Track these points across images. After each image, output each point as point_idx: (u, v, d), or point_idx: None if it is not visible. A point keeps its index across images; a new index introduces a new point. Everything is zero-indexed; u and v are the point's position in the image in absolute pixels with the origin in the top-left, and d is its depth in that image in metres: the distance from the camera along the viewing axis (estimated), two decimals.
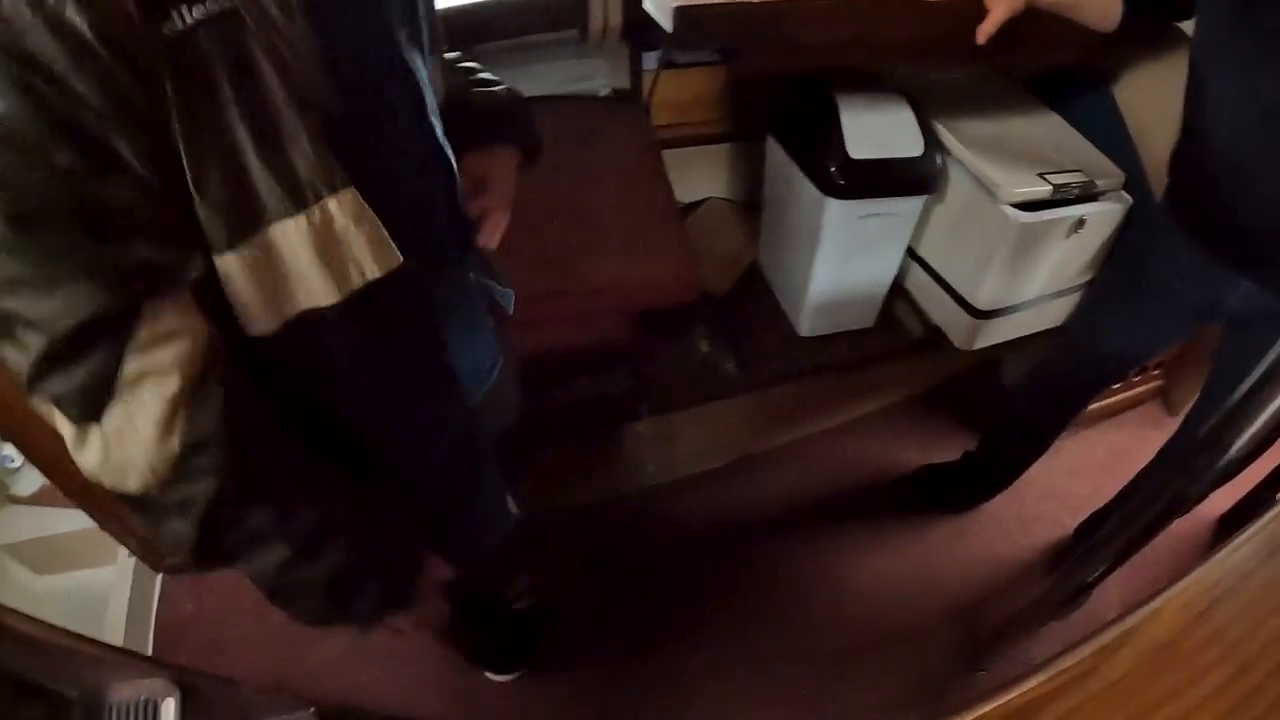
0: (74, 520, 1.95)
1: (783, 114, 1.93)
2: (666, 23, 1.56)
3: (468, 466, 0.85)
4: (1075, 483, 2.14)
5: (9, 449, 1.92)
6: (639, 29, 1.72)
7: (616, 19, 1.63)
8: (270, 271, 0.53)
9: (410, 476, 0.75)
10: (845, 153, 1.75)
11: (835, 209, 1.79)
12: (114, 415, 0.50)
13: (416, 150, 0.69)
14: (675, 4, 1.52)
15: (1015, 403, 1.91)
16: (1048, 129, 1.90)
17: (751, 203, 2.15)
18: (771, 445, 2.00)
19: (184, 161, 0.46)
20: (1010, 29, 1.24)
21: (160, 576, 1.99)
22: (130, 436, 0.50)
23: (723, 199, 2.16)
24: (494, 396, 0.99)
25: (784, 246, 2.02)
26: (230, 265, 0.52)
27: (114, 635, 1.88)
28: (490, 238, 0.84)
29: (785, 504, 1.98)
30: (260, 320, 0.55)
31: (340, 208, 0.54)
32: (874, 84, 1.86)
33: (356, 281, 0.57)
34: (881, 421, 2.13)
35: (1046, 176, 1.70)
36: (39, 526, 2.01)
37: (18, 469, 1.99)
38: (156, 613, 1.96)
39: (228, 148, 0.48)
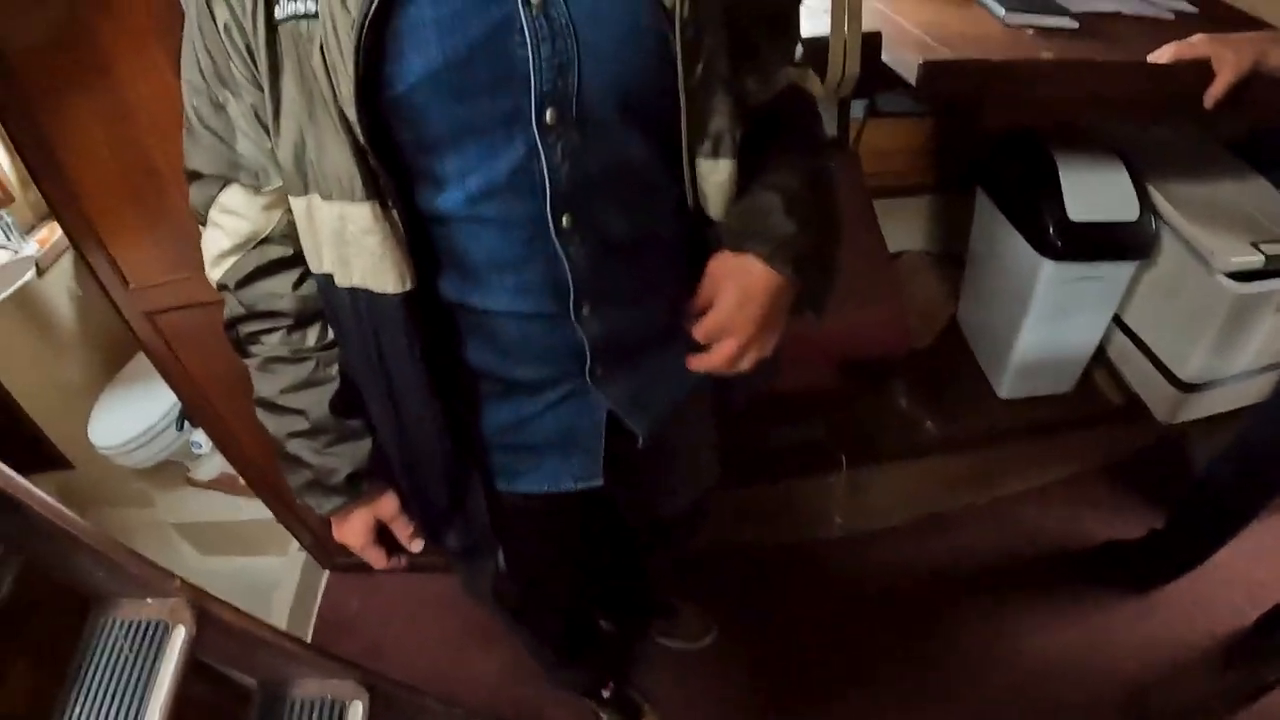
0: (247, 510, 2.03)
1: (995, 168, 1.94)
2: (910, 76, 1.60)
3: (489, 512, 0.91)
4: (1259, 569, 2.07)
5: (200, 436, 2.00)
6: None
7: (855, 69, 1.66)
8: (310, 228, 0.68)
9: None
10: (1064, 213, 1.75)
11: (1049, 270, 1.79)
12: (203, 234, 0.75)
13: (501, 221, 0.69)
14: (921, 59, 1.55)
15: (1210, 481, 1.86)
16: (1257, 194, 1.87)
17: (951, 256, 2.16)
18: (958, 506, 1.98)
19: (267, 112, 0.63)
20: (1234, 92, 1.25)
21: (327, 573, 2.04)
22: (203, 253, 0.76)
23: (922, 251, 2.17)
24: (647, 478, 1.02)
25: (989, 304, 2.02)
26: (296, 206, 0.68)
27: (276, 625, 1.94)
28: (702, 362, 0.72)
29: (964, 567, 1.95)
30: (313, 262, 0.72)
31: (353, 215, 0.63)
32: (1088, 141, 1.85)
33: (353, 280, 0.68)
34: (1068, 490, 2.09)
35: (1260, 246, 1.67)
36: (212, 510, 2.10)
37: (201, 456, 2.07)
38: (319, 608, 2.00)
39: (291, 120, 0.62)
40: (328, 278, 0.70)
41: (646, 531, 1.39)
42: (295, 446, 0.79)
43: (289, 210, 0.70)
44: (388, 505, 0.85)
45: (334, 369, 0.78)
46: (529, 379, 0.78)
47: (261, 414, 0.80)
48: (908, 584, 1.92)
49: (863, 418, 1.90)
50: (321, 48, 0.57)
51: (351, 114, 0.58)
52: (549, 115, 0.61)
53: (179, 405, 1.91)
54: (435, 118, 0.61)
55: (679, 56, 0.61)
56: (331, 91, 0.58)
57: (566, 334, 0.73)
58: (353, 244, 0.64)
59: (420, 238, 0.67)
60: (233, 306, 0.76)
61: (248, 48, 0.60)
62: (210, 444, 1.93)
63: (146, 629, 1.14)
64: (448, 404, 0.76)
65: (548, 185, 0.64)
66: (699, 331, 0.70)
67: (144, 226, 1.39)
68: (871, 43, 1.68)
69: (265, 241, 0.72)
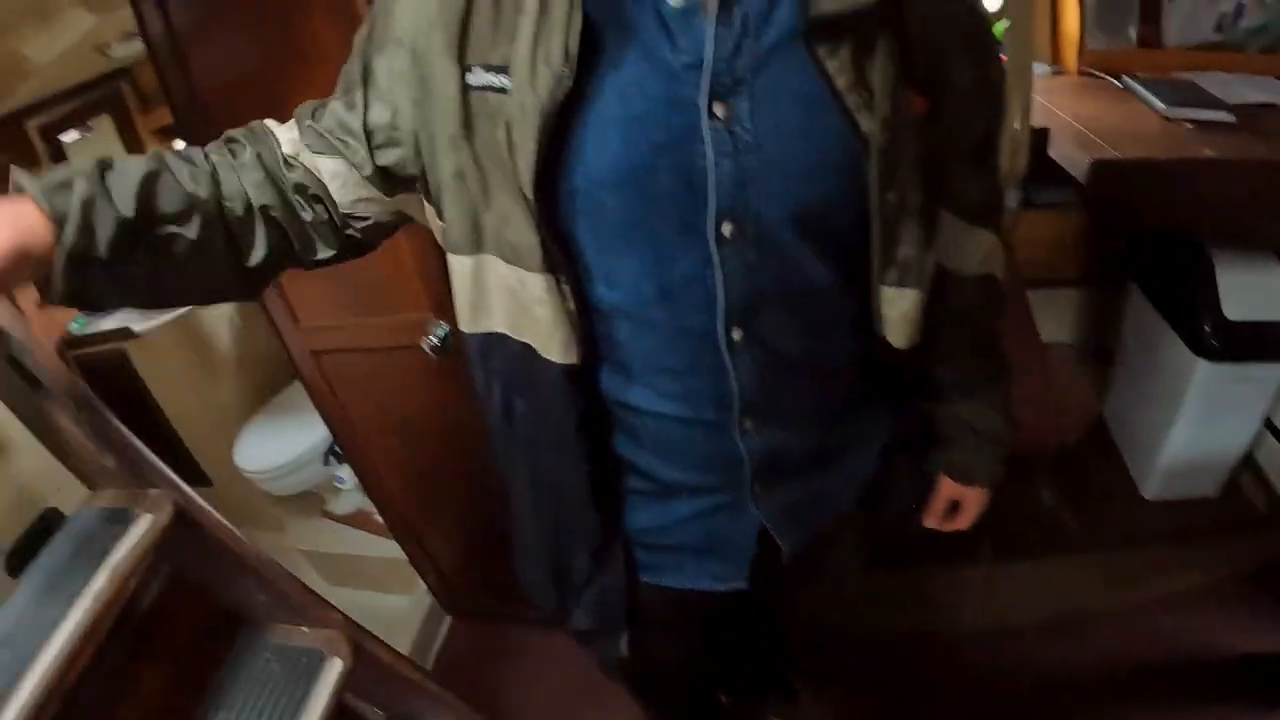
0: (377, 547, 2.10)
1: (1149, 263, 1.94)
2: (1079, 174, 1.63)
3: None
4: None
5: (345, 471, 2.09)
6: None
7: (1022, 164, 1.71)
8: (475, 286, 0.69)
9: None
10: (1220, 312, 1.75)
11: (1205, 371, 1.78)
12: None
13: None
14: (1090, 158, 1.58)
15: None
16: None
17: (1099, 351, 2.15)
18: (1093, 607, 1.94)
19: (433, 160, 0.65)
20: None
21: (450, 618, 2.09)
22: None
23: (1069, 344, 2.18)
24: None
25: (1138, 402, 2.00)
26: (459, 263, 0.69)
27: None
28: (930, 518, 0.99)
29: (1096, 671, 1.90)
30: (466, 319, 0.73)
31: (530, 282, 0.64)
32: (1245, 237, 1.85)
33: (523, 336, 0.68)
34: (1208, 597, 2.03)
35: None
36: (343, 543, 2.18)
37: (342, 491, 2.16)
38: (438, 651, 2.05)
39: (473, 183, 0.63)
40: (487, 336, 0.71)
41: (777, 617, 1.40)
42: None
43: (315, 186, 0.69)
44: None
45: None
46: (681, 483, 0.77)
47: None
48: (1036, 685, 1.87)
49: (1004, 510, 1.89)
50: (508, 124, 0.59)
51: (529, 194, 0.59)
52: (726, 229, 0.61)
53: (329, 440, 2.00)
54: (611, 215, 0.61)
55: (874, 183, 0.60)
56: (513, 167, 0.59)
57: (726, 445, 0.72)
58: (525, 309, 0.65)
59: (588, 322, 0.67)
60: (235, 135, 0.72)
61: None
62: (353, 481, 2.02)
63: (300, 656, 1.20)
64: (596, 484, 0.75)
65: (720, 298, 0.63)
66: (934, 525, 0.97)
67: (315, 278, 1.46)
68: (1040, 138, 1.72)
69: (287, 165, 0.69)
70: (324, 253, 0.73)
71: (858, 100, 0.58)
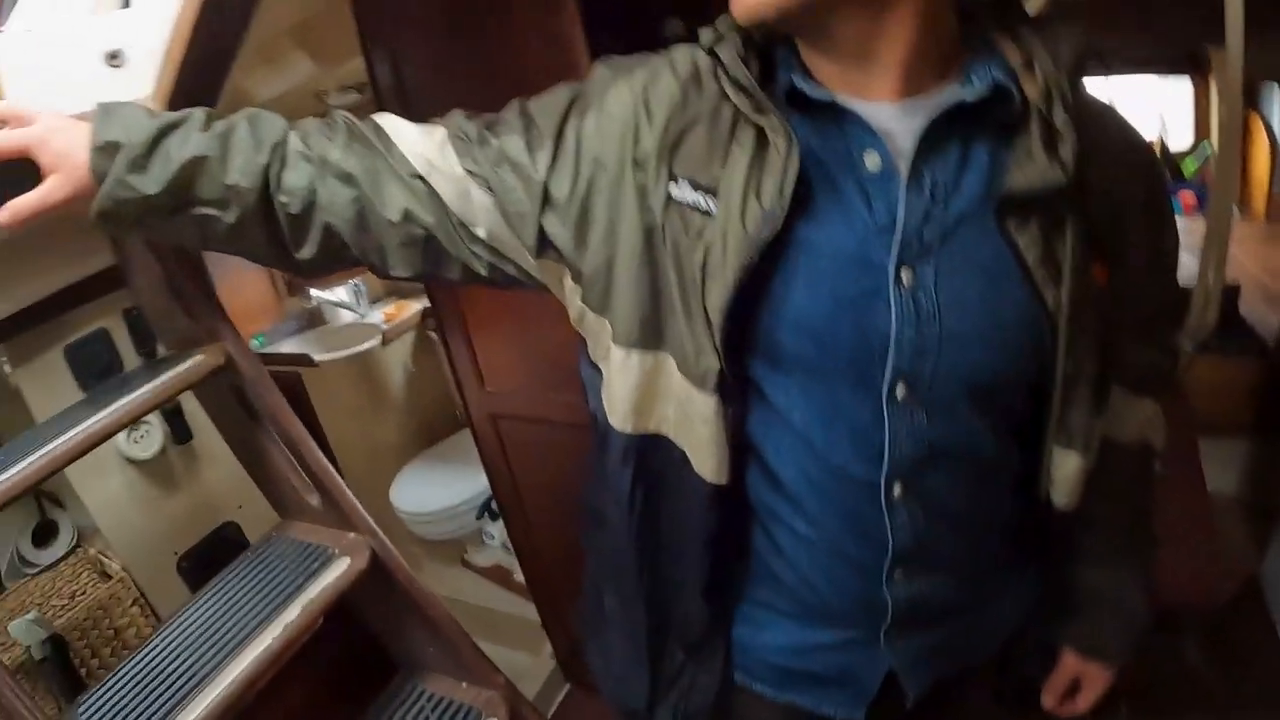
0: (509, 603, 2.16)
1: None
2: (1270, 334, 1.61)
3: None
4: None
5: (495, 528, 2.18)
6: None
7: (1211, 319, 1.69)
8: (648, 383, 0.66)
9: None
10: None
11: None
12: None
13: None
14: None
15: None
16: None
17: (1261, 506, 2.06)
18: None
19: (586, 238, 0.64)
20: None
21: (569, 685, 2.13)
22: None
23: (1232, 497, 2.10)
24: None
25: None
26: (638, 359, 0.65)
27: None
28: (1049, 694, 0.89)
29: None
30: (622, 415, 0.69)
31: (697, 400, 0.63)
32: None
33: (678, 444, 0.67)
34: None
35: None
36: (476, 593, 2.26)
37: (488, 545, 2.26)
38: (552, 715, 2.09)
39: (656, 284, 0.63)
40: (645, 437, 0.69)
41: None
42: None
43: (436, 209, 0.67)
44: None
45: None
46: (813, 608, 0.75)
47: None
48: None
49: (1146, 665, 1.82)
50: (707, 248, 0.60)
51: (717, 321, 0.59)
52: (899, 391, 0.61)
53: (487, 495, 2.08)
54: (787, 357, 0.62)
55: (1058, 355, 0.61)
56: (702, 290, 0.60)
57: (870, 586, 0.70)
58: (689, 421, 0.65)
59: (748, 446, 0.67)
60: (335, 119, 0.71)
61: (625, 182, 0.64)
62: (502, 538, 2.08)
63: (459, 711, 1.27)
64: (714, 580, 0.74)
65: (886, 454, 0.63)
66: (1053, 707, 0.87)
67: (513, 338, 1.53)
68: (1231, 294, 1.70)
69: (402, 182, 0.67)
70: (403, 271, 0.71)
71: (1045, 275, 0.59)
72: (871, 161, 0.59)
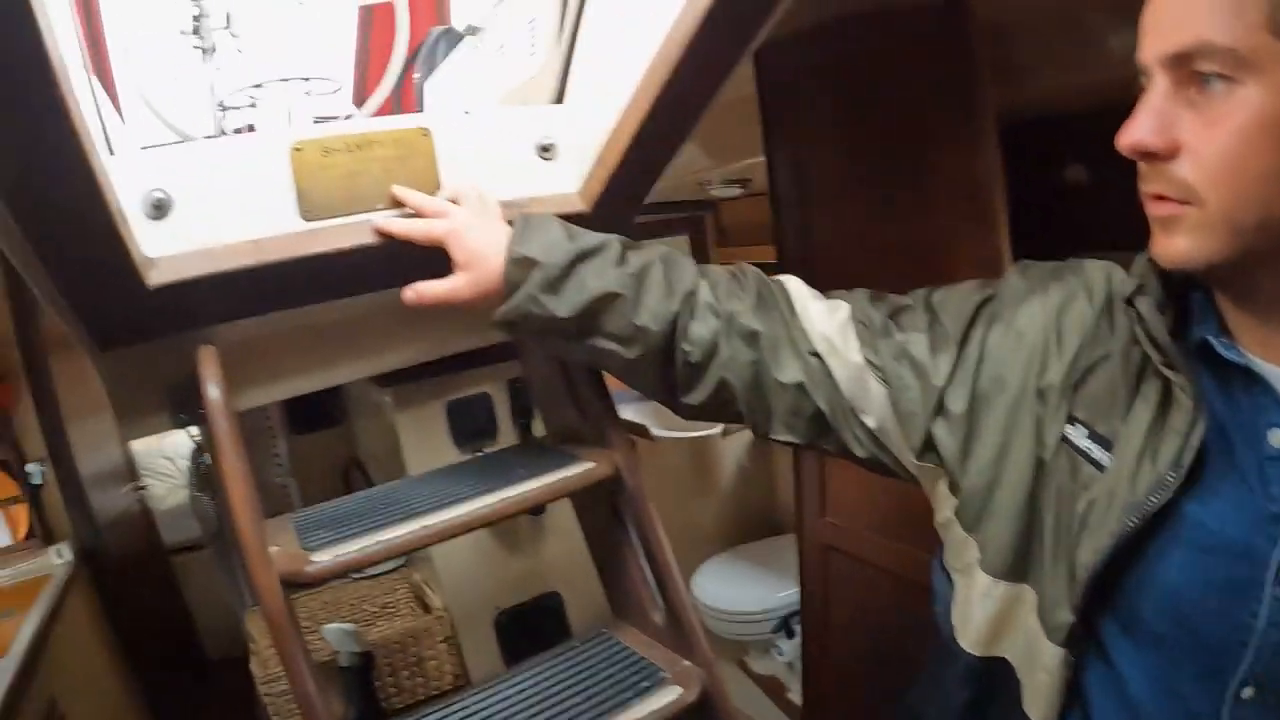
0: (770, 714, 2.00)
1: None
2: None
3: None
4: None
5: (789, 646, 2.07)
6: None
7: None
8: (1005, 613, 0.63)
9: None
10: None
11: None
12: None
13: None
14: None
15: None
16: None
17: None
18: None
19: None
20: None
21: None
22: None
23: None
24: None
25: None
26: (1000, 590, 0.63)
27: None
28: None
29: None
30: (970, 634, 0.66)
31: (1042, 647, 0.59)
32: None
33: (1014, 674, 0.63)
34: None
35: None
36: (748, 699, 2.18)
37: (773, 658, 2.15)
38: None
39: (1027, 516, 0.61)
40: (989, 660, 0.66)
41: None
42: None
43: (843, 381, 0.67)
44: None
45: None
46: None
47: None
48: None
49: None
50: (1090, 502, 0.57)
51: (1082, 578, 0.56)
52: (1246, 692, 0.54)
53: (791, 611, 2.01)
54: (1144, 630, 0.58)
55: None
56: (1074, 543, 0.57)
57: None
58: (1031, 659, 0.62)
59: (1076, 691, 0.62)
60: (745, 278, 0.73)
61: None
62: (793, 657, 2.01)
63: None
64: None
65: None
66: None
67: (866, 475, 1.45)
68: None
69: (800, 353, 0.68)
70: (784, 436, 0.71)
71: None
72: (1276, 441, 0.53)
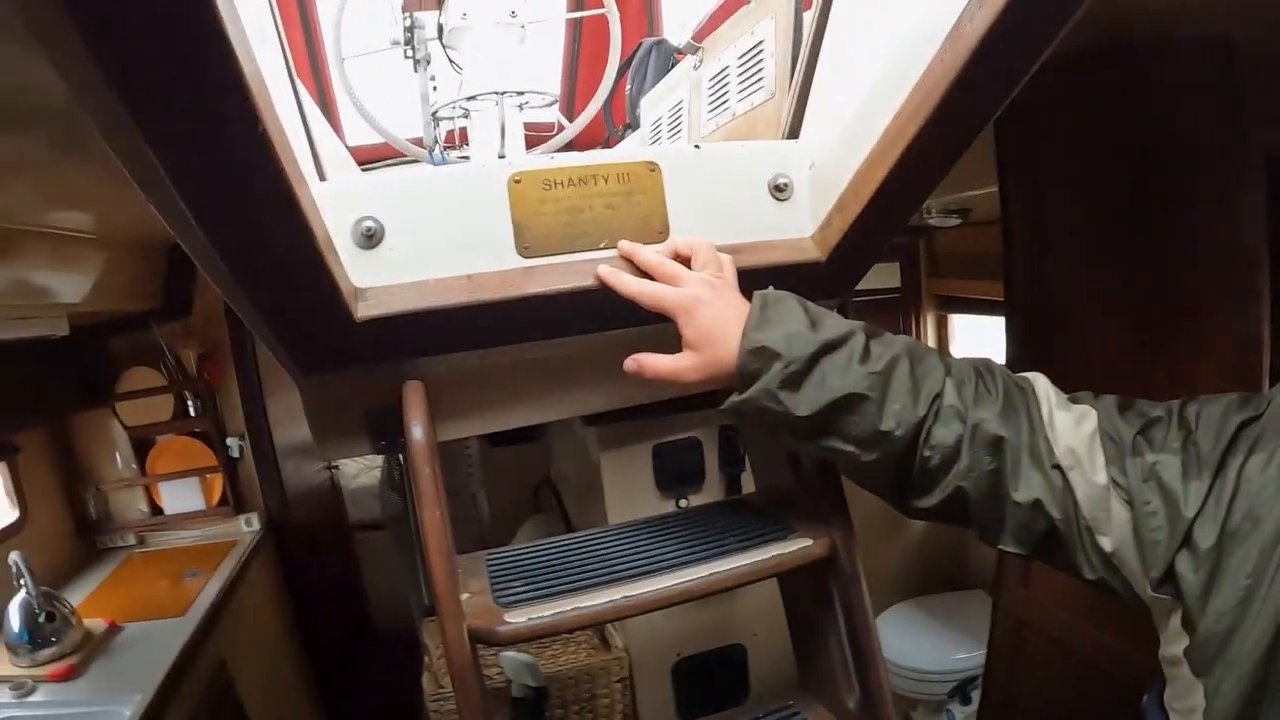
0: None
1: None
2: None
3: None
4: None
5: (961, 711, 1.94)
6: None
7: None
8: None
9: None
10: None
11: None
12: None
13: None
14: None
15: None
16: None
17: None
18: None
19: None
20: None
21: None
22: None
23: None
24: None
25: None
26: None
27: None
28: None
29: None
30: None
31: None
32: None
33: None
34: None
35: None
36: None
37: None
38: None
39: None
40: None
41: None
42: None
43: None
44: None
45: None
46: None
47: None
48: None
49: None
50: None
51: None
52: None
53: (971, 679, 1.87)
54: None
55: None
56: None
57: None
58: None
59: None
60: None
61: None
62: None
63: None
64: None
65: None
66: None
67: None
68: None
69: (1040, 466, 0.64)
70: (1011, 548, 0.67)
71: None
72: None
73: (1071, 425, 0.65)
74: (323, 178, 0.77)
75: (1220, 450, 0.59)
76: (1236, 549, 0.57)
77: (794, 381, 0.66)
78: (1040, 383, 0.68)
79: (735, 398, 0.69)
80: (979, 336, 2.53)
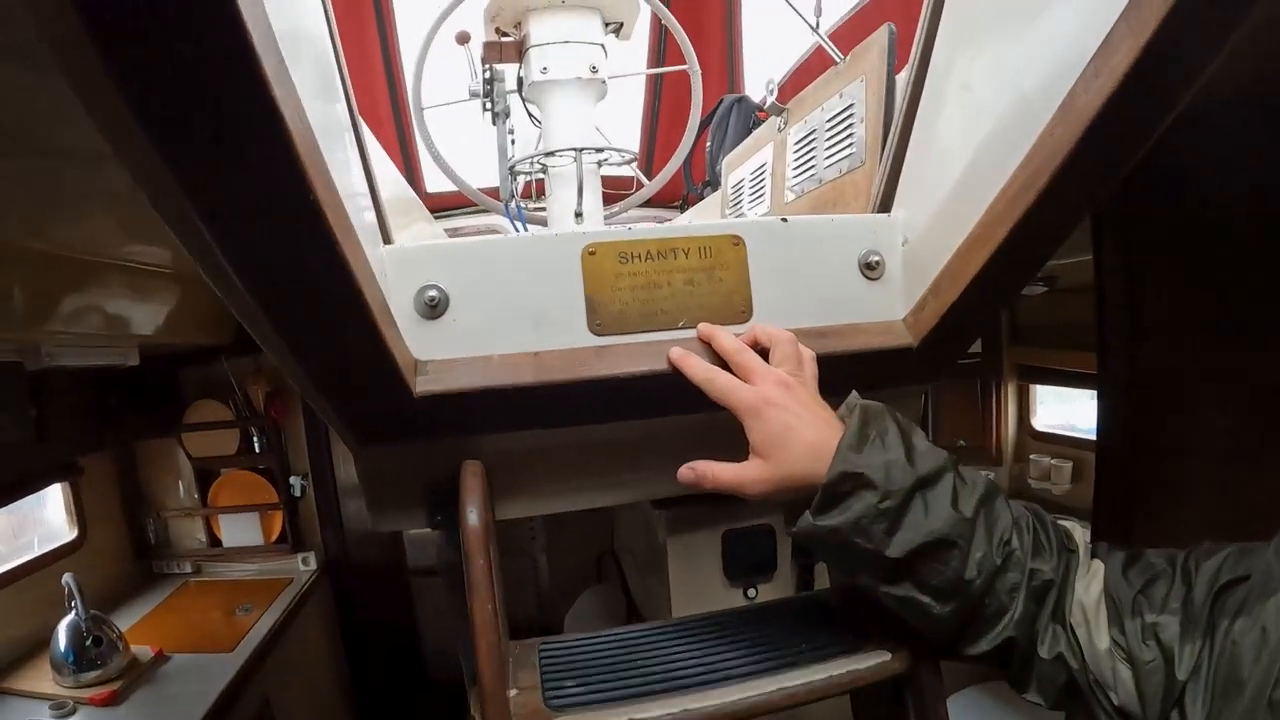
0: None
1: None
2: None
3: None
4: None
5: None
6: None
7: None
8: None
9: None
10: None
11: None
12: None
13: None
14: None
15: None
16: None
17: None
18: None
19: None
20: None
21: None
22: None
23: None
24: None
25: None
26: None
27: None
28: None
29: None
30: None
31: None
32: None
33: None
34: None
35: None
36: None
37: None
38: None
39: None
40: None
41: None
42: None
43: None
44: None
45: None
46: None
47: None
48: None
49: None
50: None
51: None
52: None
53: None
54: None
55: None
56: None
57: None
58: None
59: None
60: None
61: None
62: None
63: None
64: None
65: None
66: None
67: None
68: None
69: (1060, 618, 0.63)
70: (1035, 699, 0.66)
71: None
72: None
73: (1085, 584, 0.65)
74: (388, 240, 0.74)
75: (1208, 612, 0.59)
76: (1224, 709, 0.57)
77: (889, 517, 0.61)
78: (1077, 531, 0.68)
79: (816, 521, 0.63)
80: (1063, 408, 2.38)
